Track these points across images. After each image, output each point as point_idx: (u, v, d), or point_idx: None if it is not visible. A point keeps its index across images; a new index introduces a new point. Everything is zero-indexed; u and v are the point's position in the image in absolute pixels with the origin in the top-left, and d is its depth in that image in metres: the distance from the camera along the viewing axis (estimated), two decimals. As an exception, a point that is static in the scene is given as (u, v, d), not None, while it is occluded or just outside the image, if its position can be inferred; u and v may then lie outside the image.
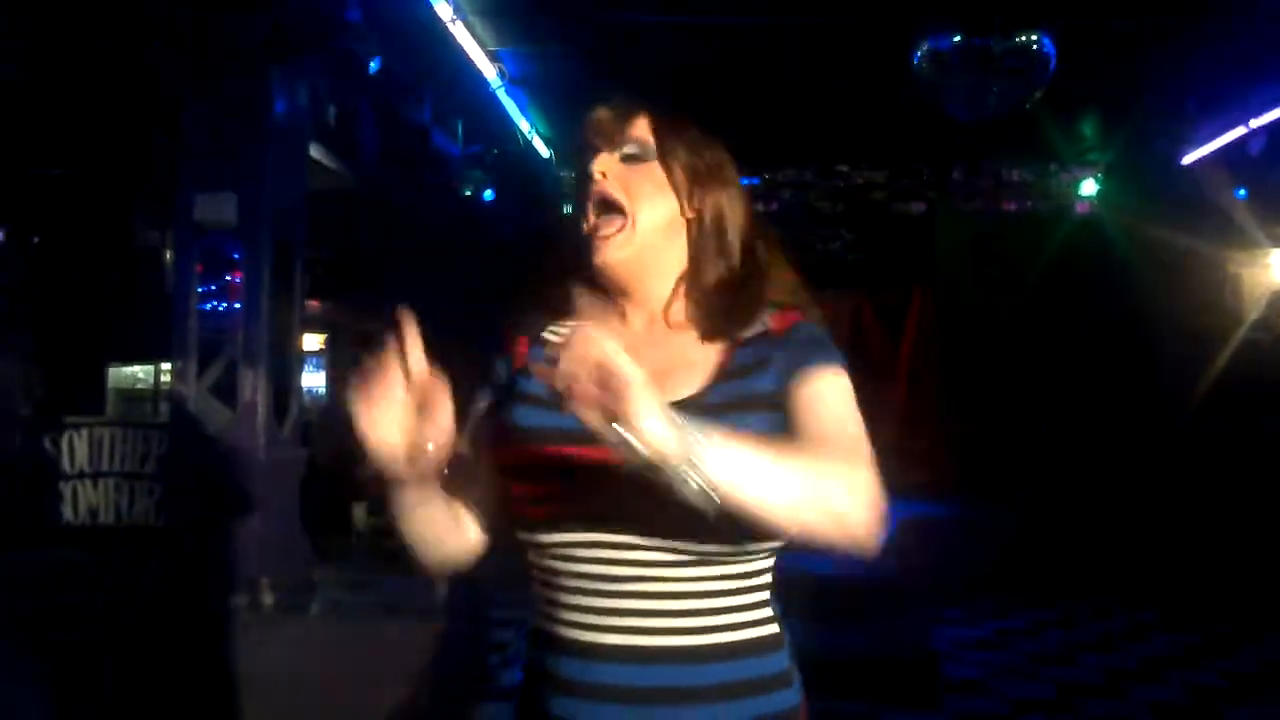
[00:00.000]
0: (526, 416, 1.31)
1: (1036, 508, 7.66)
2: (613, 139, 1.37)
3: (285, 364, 5.29)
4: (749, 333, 1.34)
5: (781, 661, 1.30)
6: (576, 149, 1.39)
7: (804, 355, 1.30)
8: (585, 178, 1.36)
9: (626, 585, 1.23)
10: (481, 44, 6.06)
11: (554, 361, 1.06)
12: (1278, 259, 8.16)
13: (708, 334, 1.34)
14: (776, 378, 1.28)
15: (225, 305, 5.39)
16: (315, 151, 6.63)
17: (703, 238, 1.36)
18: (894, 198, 8.87)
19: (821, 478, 1.14)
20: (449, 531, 1.36)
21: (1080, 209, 8.58)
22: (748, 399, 1.26)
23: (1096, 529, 7.49)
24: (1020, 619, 6.49)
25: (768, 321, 1.35)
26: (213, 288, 5.53)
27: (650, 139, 1.37)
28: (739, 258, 1.37)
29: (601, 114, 1.38)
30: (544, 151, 7.76)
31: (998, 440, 8.18)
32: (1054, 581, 7.05)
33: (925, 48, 4.82)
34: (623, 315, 1.39)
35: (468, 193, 7.80)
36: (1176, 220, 7.89)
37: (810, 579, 5.78)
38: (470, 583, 5.27)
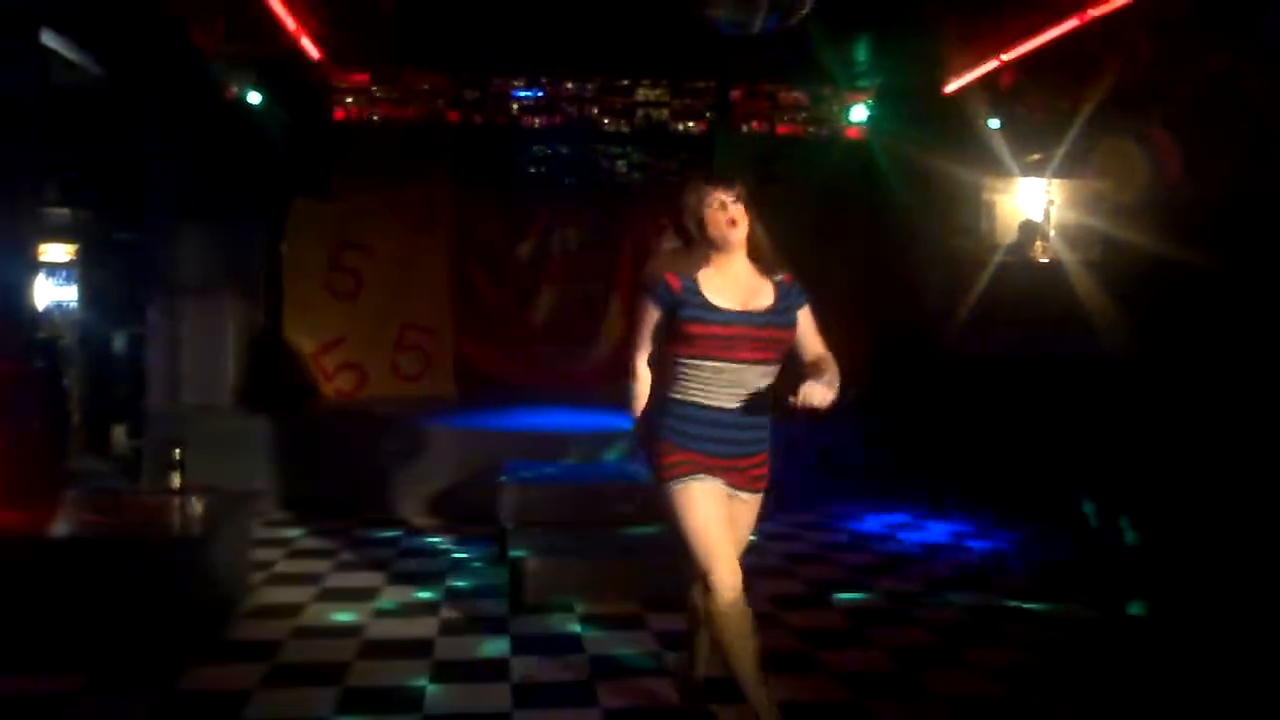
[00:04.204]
0: (697, 313, 3.07)
1: (805, 420, 8.00)
2: (733, 192, 3.15)
3: (16, 274, 4.87)
4: (778, 279, 3.19)
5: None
6: (708, 197, 3.14)
7: (799, 297, 3.22)
8: (724, 207, 3.14)
9: (731, 379, 3.10)
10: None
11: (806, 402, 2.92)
12: (1026, 187, 8.73)
13: (763, 275, 3.19)
14: (794, 301, 3.20)
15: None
16: (52, 41, 6.07)
17: (753, 236, 3.18)
18: (676, 116, 8.93)
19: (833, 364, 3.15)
20: None
21: (851, 134, 8.90)
22: (788, 307, 3.18)
23: (861, 439, 7.94)
24: (781, 522, 6.82)
25: (784, 276, 3.21)
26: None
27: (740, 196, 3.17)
28: (762, 247, 3.20)
29: (733, 185, 3.16)
30: (313, 53, 7.36)
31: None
32: (816, 489, 7.45)
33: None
34: (728, 267, 3.16)
35: (232, 94, 7.32)
36: (939, 147, 8.30)
37: (568, 489, 5.90)
38: (235, 499, 5.10)
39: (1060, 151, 8.12)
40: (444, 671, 4.19)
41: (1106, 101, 7.09)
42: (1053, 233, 8.71)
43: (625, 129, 8.92)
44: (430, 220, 8.77)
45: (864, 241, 9.03)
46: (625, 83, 8.79)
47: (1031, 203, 8.76)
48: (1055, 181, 8.67)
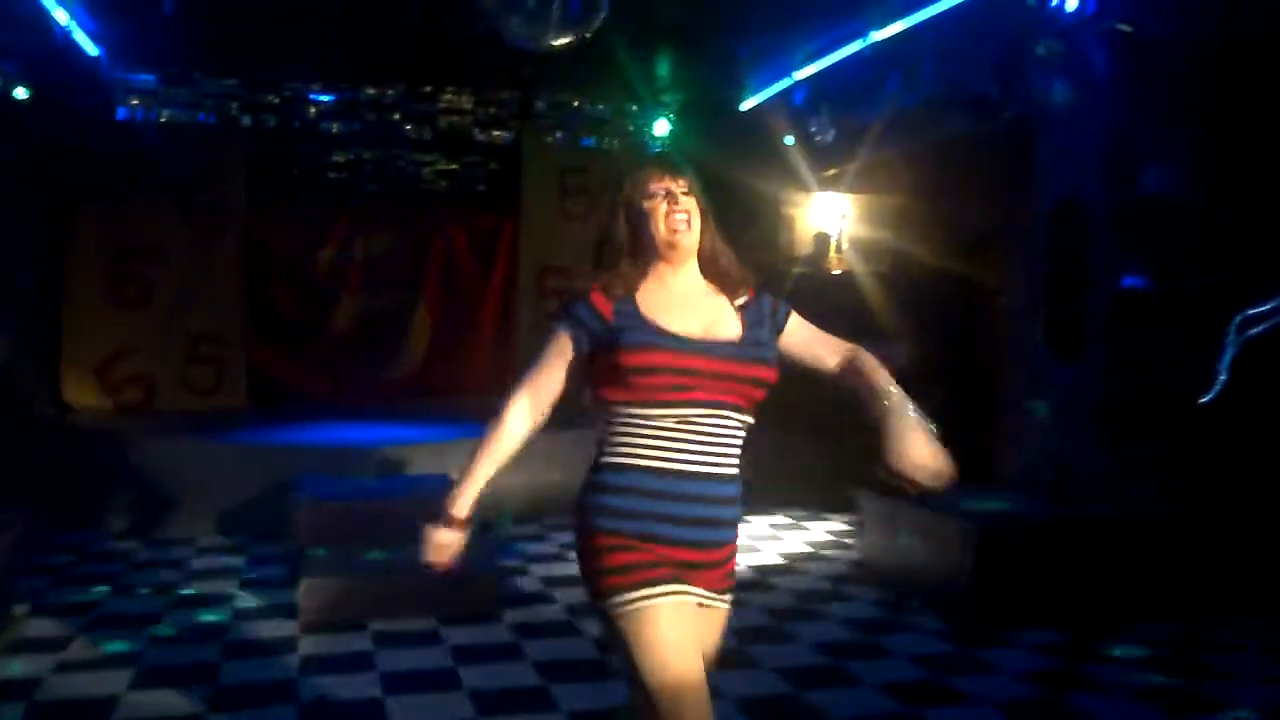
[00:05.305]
0: (640, 338, 2.19)
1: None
2: (683, 181, 2.33)
3: None
4: (741, 300, 2.35)
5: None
6: (648, 187, 2.32)
7: (776, 311, 2.38)
8: (670, 198, 2.30)
9: (689, 431, 2.19)
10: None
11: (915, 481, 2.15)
12: (821, 202, 9.10)
13: (724, 295, 2.36)
14: (768, 328, 2.34)
15: None
16: None
17: (706, 239, 2.36)
18: (480, 125, 8.89)
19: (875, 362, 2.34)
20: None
21: (651, 148, 9.07)
22: (761, 340, 2.30)
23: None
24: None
25: (746, 293, 2.37)
26: None
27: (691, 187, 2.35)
28: (719, 256, 2.37)
29: (671, 168, 2.36)
30: (90, 49, 6.95)
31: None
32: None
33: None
34: (674, 283, 2.33)
35: (-4, 90, 6.83)
36: (739, 162, 8.53)
37: (363, 504, 5.77)
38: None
39: (853, 167, 8.48)
40: (227, 697, 4.02)
41: (893, 120, 7.45)
42: (845, 245, 9.10)
43: (429, 136, 8.82)
44: (222, 226, 8.43)
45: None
46: (428, 89, 8.69)
47: (827, 216, 9.13)
48: (850, 196, 9.07)
